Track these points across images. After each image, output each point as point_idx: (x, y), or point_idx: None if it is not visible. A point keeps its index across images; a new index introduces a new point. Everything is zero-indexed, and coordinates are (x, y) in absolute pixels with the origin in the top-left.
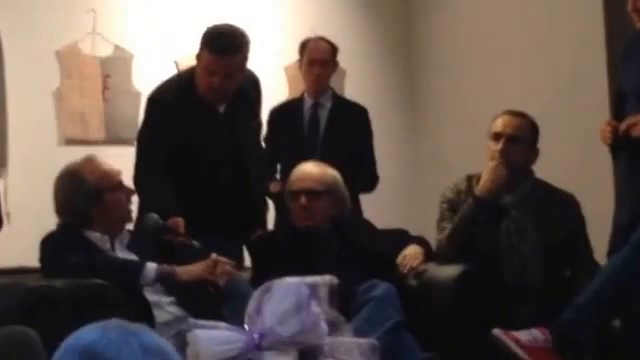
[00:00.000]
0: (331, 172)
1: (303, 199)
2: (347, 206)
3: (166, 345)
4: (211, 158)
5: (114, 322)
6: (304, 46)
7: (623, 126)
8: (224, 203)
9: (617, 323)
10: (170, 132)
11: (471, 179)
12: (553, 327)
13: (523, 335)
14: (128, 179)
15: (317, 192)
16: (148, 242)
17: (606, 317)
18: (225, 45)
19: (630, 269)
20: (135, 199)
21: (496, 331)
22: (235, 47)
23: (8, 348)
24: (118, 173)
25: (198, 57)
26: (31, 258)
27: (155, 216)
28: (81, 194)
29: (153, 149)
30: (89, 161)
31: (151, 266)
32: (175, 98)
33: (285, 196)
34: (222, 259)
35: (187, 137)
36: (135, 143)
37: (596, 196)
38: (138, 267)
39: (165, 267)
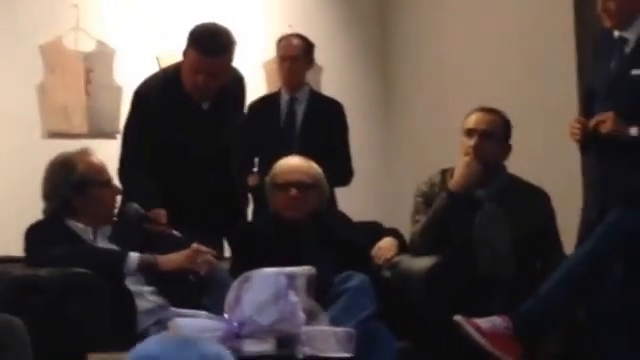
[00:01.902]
0: (316, 166)
1: (294, 191)
2: (326, 199)
3: (224, 353)
4: (194, 154)
5: (174, 336)
6: (278, 43)
7: (592, 123)
8: (206, 198)
9: (581, 315)
10: (154, 127)
11: (445, 173)
12: (514, 315)
13: (484, 322)
14: (111, 171)
15: (307, 185)
16: (128, 231)
17: (567, 308)
18: (212, 46)
19: (592, 262)
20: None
21: (458, 317)
22: (221, 48)
23: None
24: (107, 171)
25: (184, 54)
26: (16, 248)
27: (135, 205)
28: (68, 182)
29: (137, 143)
30: (83, 153)
31: (133, 255)
32: (160, 94)
33: (267, 188)
34: (203, 249)
35: (171, 133)
36: (117, 136)
37: (565, 191)
38: (121, 256)
39: (147, 256)
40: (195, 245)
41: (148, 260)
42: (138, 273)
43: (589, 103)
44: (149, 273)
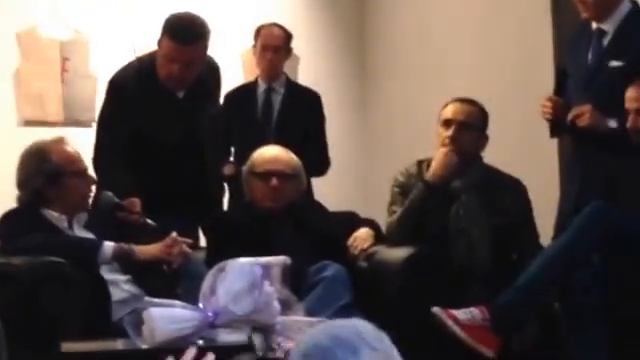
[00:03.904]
0: (295, 157)
1: (275, 181)
2: (304, 190)
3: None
4: (168, 143)
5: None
6: (258, 32)
7: (570, 117)
8: (181, 187)
9: (556, 307)
10: (129, 116)
11: (422, 164)
12: (492, 307)
13: (461, 314)
14: (86, 160)
15: (287, 175)
16: (102, 220)
17: (544, 299)
18: (185, 34)
19: (569, 254)
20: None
21: (435, 309)
22: (195, 37)
23: None
24: (82, 161)
25: (159, 44)
26: None
27: (109, 194)
28: (41, 173)
29: (112, 131)
30: (58, 142)
31: (108, 245)
32: (135, 83)
33: (244, 178)
34: (180, 239)
35: (145, 122)
36: (93, 125)
37: (542, 181)
38: (95, 246)
39: (123, 246)
40: (174, 234)
41: (123, 249)
42: (113, 262)
43: (562, 82)
44: (124, 262)
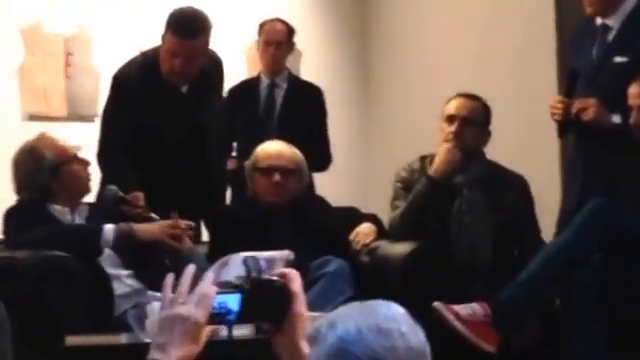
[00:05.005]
0: (298, 152)
1: (277, 176)
2: (306, 185)
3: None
4: (172, 137)
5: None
6: (261, 27)
7: (574, 110)
8: (184, 182)
9: (556, 304)
10: (133, 111)
11: (425, 159)
12: (493, 304)
13: (463, 309)
14: (89, 154)
15: (290, 170)
16: (107, 214)
17: (545, 296)
18: (188, 29)
19: (570, 252)
20: (97, 174)
21: (437, 304)
22: (197, 31)
23: None
24: (72, 147)
25: (163, 38)
26: None
27: (114, 188)
28: (42, 169)
29: (116, 126)
30: (44, 137)
31: (109, 227)
32: (139, 78)
33: (247, 173)
34: (182, 222)
35: (149, 116)
36: (96, 120)
37: (543, 178)
38: (97, 230)
39: (123, 225)
40: (174, 215)
41: (124, 229)
42: (114, 253)
43: (572, 84)
44: (126, 244)
